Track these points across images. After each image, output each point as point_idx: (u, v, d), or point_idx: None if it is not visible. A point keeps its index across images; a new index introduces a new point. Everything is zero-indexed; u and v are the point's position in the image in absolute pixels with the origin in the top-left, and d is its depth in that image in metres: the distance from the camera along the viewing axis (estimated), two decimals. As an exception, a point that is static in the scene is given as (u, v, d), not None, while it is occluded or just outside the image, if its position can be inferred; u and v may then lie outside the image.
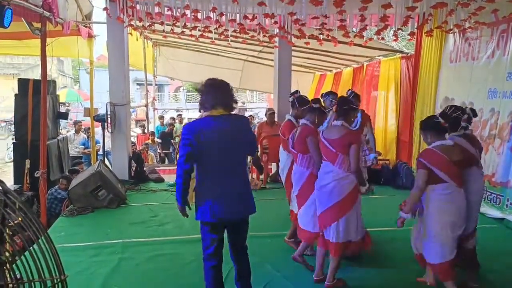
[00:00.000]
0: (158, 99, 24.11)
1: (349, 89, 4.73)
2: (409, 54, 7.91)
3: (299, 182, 3.43)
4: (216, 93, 2.54)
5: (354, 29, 5.99)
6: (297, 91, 3.99)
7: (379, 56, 8.88)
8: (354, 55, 8.95)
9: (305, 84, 12.60)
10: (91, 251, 3.79)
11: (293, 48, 7.35)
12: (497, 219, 4.77)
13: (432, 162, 2.79)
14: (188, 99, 29.82)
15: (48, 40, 5.21)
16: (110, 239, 4.08)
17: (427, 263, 2.97)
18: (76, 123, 9.47)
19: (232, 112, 2.59)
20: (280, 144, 4.03)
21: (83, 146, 8.78)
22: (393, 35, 6.21)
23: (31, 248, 1.59)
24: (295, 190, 3.52)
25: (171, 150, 10.35)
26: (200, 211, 2.55)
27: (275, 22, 5.64)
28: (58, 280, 1.59)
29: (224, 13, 5.21)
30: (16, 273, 1.62)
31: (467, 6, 4.31)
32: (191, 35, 6.73)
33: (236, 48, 9.14)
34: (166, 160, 10.20)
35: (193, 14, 5.04)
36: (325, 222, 3.04)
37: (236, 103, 2.63)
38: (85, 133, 9.16)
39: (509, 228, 4.55)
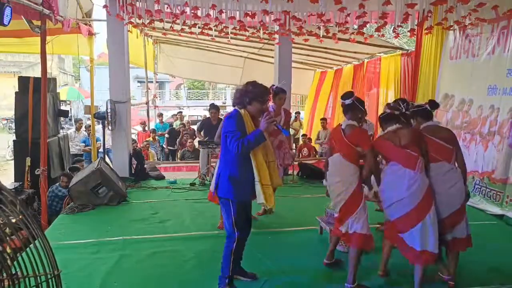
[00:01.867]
0: (159, 97, 24.12)
1: (273, 85, 4.48)
2: (409, 51, 7.90)
3: (420, 194, 2.85)
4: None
5: (355, 26, 5.98)
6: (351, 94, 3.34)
7: (379, 53, 8.88)
8: (355, 52, 8.94)
9: (306, 81, 12.60)
10: (91, 248, 3.81)
11: (293, 45, 7.35)
12: (497, 216, 4.78)
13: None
14: (189, 97, 29.79)
15: (48, 38, 5.22)
16: (111, 236, 4.10)
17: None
18: (77, 121, 9.49)
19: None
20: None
21: (83, 144, 8.80)
22: (393, 32, 6.18)
23: (25, 244, 1.61)
24: (409, 204, 2.85)
25: (176, 147, 10.36)
26: None
27: (276, 20, 5.64)
28: (52, 275, 1.61)
29: (224, 11, 5.21)
30: (12, 269, 1.64)
31: (466, 3, 4.30)
32: (191, 33, 6.73)
33: (236, 45, 9.14)
34: (170, 158, 10.21)
35: (192, 11, 5.03)
36: (454, 222, 3.00)
37: (237, 99, 2.92)
38: (85, 131, 9.18)
39: (509, 225, 4.56)
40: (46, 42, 5.07)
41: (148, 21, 5.65)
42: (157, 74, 13.13)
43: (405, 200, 2.85)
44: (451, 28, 5.84)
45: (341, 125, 3.13)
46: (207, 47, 10.54)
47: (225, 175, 2.86)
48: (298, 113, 12.49)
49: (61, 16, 5.40)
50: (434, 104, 3.21)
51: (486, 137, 5.19)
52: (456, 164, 3.05)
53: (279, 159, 4.46)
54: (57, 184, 5.68)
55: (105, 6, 5.35)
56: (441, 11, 4.82)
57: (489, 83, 5.22)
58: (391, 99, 8.23)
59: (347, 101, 3.11)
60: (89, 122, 9.64)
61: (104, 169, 5.33)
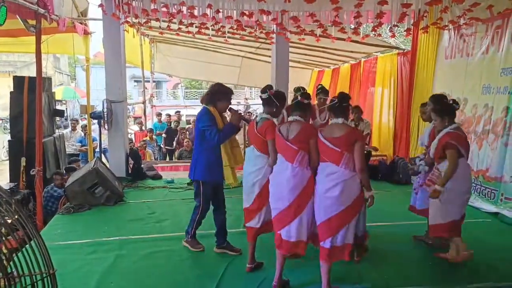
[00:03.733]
0: (156, 96, 24.03)
1: (319, 84, 4.74)
2: (405, 51, 7.92)
3: (298, 188, 2.86)
4: None
5: (352, 25, 5.99)
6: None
7: (376, 52, 8.90)
8: (351, 51, 8.96)
9: (304, 80, 12.59)
10: (87, 249, 3.80)
11: (290, 44, 7.35)
12: (492, 214, 4.81)
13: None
14: (186, 96, 29.70)
15: (43, 37, 5.19)
16: (107, 237, 4.09)
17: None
18: (72, 120, 9.46)
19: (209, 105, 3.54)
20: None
21: (80, 144, 8.78)
22: (389, 31, 6.21)
23: (21, 244, 1.62)
24: (288, 199, 2.87)
25: (174, 147, 10.34)
26: None
27: (273, 19, 5.64)
28: (47, 274, 1.63)
29: (221, 10, 5.20)
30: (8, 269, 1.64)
31: (461, 3, 4.32)
32: (188, 32, 6.72)
33: (233, 44, 9.13)
34: (168, 157, 10.20)
35: (189, 10, 5.02)
36: (331, 230, 2.80)
37: (207, 98, 3.56)
38: (82, 131, 9.15)
39: (504, 222, 4.59)
40: (41, 42, 5.05)
41: (144, 20, 5.64)
42: (154, 74, 13.10)
43: (285, 194, 2.88)
44: (446, 28, 5.87)
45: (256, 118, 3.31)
46: (204, 46, 10.53)
47: (202, 161, 3.50)
48: None
49: (56, 15, 5.37)
50: (343, 98, 2.94)
51: (481, 135, 5.22)
52: (348, 167, 2.79)
53: None
54: (52, 184, 5.66)
55: (100, 5, 5.32)
56: (436, 11, 4.84)
57: (483, 82, 5.25)
58: (387, 98, 8.27)
59: (263, 95, 3.25)
60: (85, 122, 9.63)
61: (100, 169, 5.32)
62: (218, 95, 3.52)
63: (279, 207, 2.94)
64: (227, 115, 3.71)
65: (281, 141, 2.97)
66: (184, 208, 5.18)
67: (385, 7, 4.49)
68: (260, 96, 3.31)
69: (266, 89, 3.29)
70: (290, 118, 3.03)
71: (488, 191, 5.01)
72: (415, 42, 6.99)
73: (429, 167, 3.70)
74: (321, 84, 4.72)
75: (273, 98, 3.22)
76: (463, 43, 5.74)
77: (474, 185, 5.28)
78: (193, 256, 3.67)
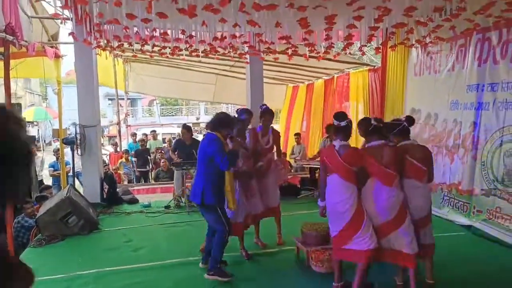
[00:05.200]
0: (132, 114, 23.68)
1: (263, 104, 4.60)
2: (376, 67, 8.17)
3: (396, 207, 3.10)
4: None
5: (323, 44, 6.13)
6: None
7: (348, 68, 9.13)
8: (325, 68, 9.15)
9: (278, 96, 12.71)
10: (60, 285, 3.64)
11: (264, 62, 7.45)
12: (465, 226, 4.94)
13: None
14: (162, 113, 29.38)
15: (12, 63, 5.03)
16: (82, 270, 3.93)
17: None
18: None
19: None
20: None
21: (52, 168, 8.50)
22: (359, 50, 6.40)
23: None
24: (386, 217, 3.09)
25: (148, 168, 10.04)
26: None
27: (245, 42, 5.70)
28: None
29: (194, 35, 5.21)
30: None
31: (425, 26, 4.51)
32: (162, 54, 6.69)
33: (208, 63, 9.16)
34: (142, 180, 9.93)
35: (162, 36, 5.01)
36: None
37: (212, 125, 3.66)
38: (54, 154, 8.87)
39: (476, 235, 4.72)
40: (10, 68, 4.89)
41: (116, 44, 5.58)
42: (128, 92, 12.90)
43: (382, 213, 3.10)
44: (413, 46, 6.10)
45: (334, 146, 3.22)
46: (178, 64, 10.50)
47: (210, 185, 3.55)
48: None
49: (26, 41, 5.23)
50: (411, 121, 3.29)
51: (452, 149, 5.40)
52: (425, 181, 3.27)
53: (274, 178, 4.46)
54: (22, 214, 5.42)
55: (71, 33, 5.17)
56: (403, 32, 5.03)
57: (451, 98, 5.46)
58: (361, 112, 8.46)
59: (342, 123, 3.21)
60: (57, 144, 9.34)
61: (74, 197, 5.15)
62: (224, 123, 3.69)
63: (377, 223, 3.12)
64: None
65: (376, 166, 3.10)
66: (161, 234, 5.08)
67: (354, 28, 4.64)
68: (338, 124, 3.21)
69: (344, 117, 3.23)
70: (377, 143, 3.16)
71: (461, 204, 5.15)
72: (385, 59, 7.21)
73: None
74: (265, 104, 4.52)
75: (350, 126, 3.26)
76: (430, 60, 5.97)
77: (448, 198, 5.43)
78: (175, 285, 3.57)
